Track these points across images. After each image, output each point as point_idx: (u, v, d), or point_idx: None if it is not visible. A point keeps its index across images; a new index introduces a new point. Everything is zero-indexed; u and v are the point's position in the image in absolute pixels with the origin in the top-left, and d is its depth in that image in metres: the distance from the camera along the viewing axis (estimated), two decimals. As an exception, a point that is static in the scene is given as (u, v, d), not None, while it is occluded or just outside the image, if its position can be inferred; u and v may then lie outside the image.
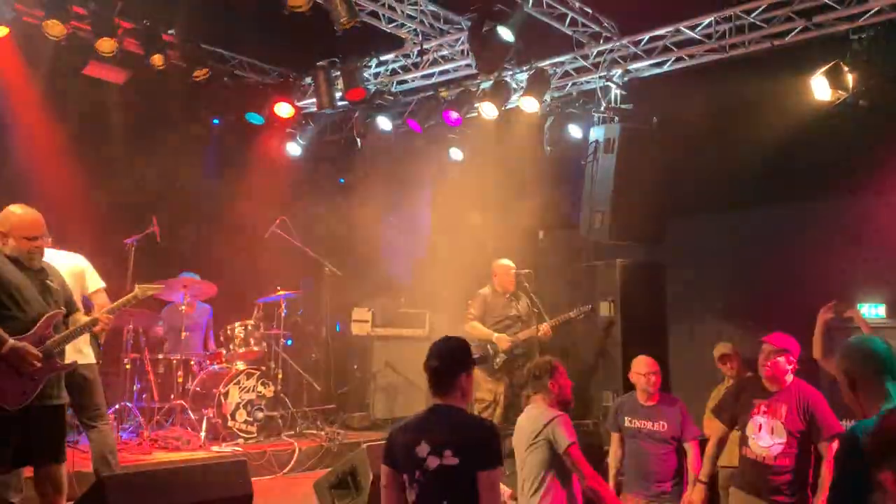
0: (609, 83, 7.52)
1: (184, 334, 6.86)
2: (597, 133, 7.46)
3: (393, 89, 8.38)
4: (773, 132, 6.68)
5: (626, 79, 7.55)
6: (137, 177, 7.76)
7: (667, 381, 6.54)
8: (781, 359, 4.27)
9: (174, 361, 6.88)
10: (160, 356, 7.00)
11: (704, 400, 5.73)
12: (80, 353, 4.68)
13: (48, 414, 3.91)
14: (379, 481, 3.97)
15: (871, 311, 7.65)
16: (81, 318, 4.23)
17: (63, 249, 4.99)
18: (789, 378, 4.30)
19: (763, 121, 6.73)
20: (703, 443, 5.04)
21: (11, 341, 3.74)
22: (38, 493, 3.93)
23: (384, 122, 8.34)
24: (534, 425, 3.98)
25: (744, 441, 4.34)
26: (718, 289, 7.72)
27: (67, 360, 4.14)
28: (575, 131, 7.84)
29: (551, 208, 9.67)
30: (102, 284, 5.00)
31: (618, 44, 7.22)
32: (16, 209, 4.04)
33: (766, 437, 4.26)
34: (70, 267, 4.80)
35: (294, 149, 8.95)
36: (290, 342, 8.03)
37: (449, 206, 10.30)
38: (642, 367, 5.27)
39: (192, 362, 7.03)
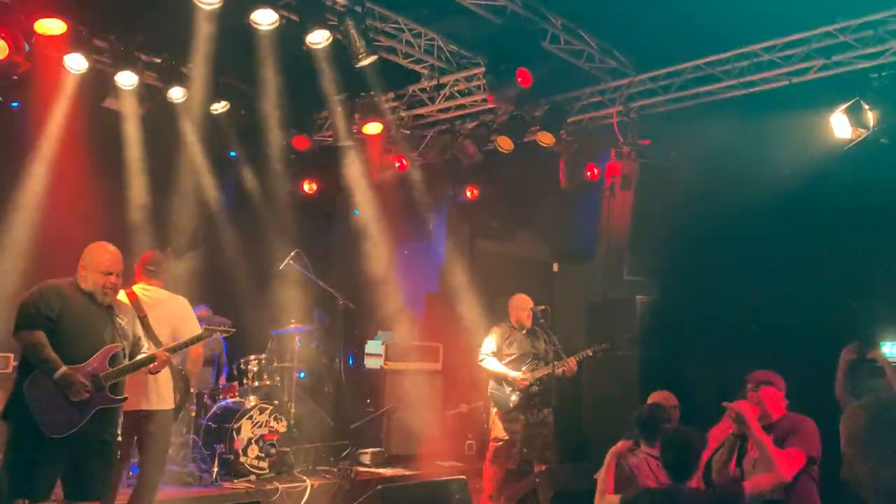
0: (626, 118, 7.51)
1: (196, 369, 6.80)
2: (614, 168, 7.44)
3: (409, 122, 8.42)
4: (793, 168, 6.63)
5: (643, 114, 7.54)
6: (151, 208, 7.78)
7: (690, 419, 6.42)
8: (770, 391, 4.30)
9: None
10: (172, 390, 6.96)
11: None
12: (159, 396, 4.73)
13: (93, 447, 3.95)
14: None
15: (895, 349, 7.52)
16: (141, 356, 4.29)
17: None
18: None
19: (782, 157, 6.69)
20: None
21: (64, 368, 3.82)
22: None
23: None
24: None
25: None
26: (736, 326, 7.62)
27: (136, 405, 4.42)
28: (591, 166, 7.82)
29: (567, 241, 9.64)
30: (199, 331, 4.89)
31: (635, 79, 7.22)
32: (97, 246, 4.22)
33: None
34: (180, 310, 4.96)
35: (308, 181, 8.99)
36: (302, 375, 7.96)
37: (463, 238, 10.29)
38: (664, 401, 5.15)
39: (205, 396, 6.97)
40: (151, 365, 4.28)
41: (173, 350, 4.44)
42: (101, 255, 4.15)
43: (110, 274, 4.11)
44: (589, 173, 7.89)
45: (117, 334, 4.12)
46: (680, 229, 7.12)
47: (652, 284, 7.50)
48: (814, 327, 6.77)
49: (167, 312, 4.86)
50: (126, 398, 4.20)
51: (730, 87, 6.87)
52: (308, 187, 9.10)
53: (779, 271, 7.46)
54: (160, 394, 4.74)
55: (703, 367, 7.49)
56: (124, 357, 4.17)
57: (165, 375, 4.73)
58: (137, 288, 4.94)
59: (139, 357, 4.24)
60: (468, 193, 9.48)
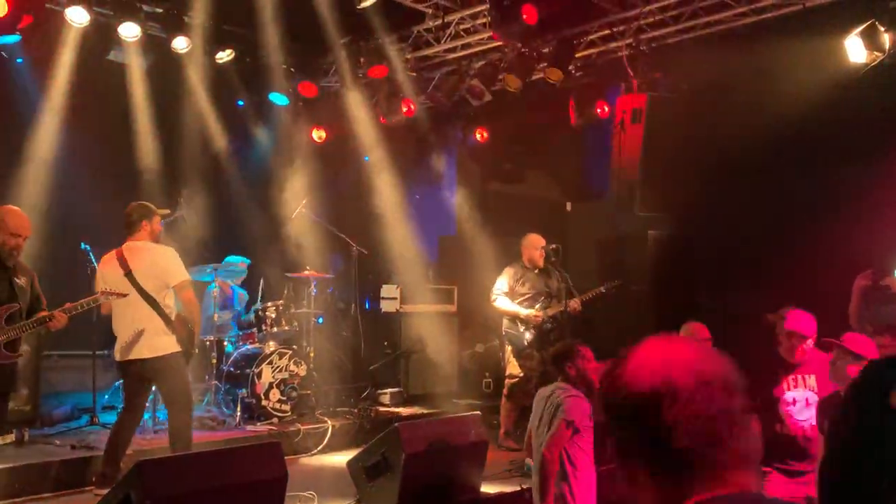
0: (636, 51, 7.36)
1: (216, 315, 6.94)
2: (624, 103, 7.32)
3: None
4: (806, 96, 6.50)
5: (654, 46, 7.38)
6: (164, 161, 7.82)
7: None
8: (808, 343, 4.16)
9: (207, 343, 6.98)
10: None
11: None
12: (152, 347, 4.83)
13: None
14: (412, 460, 4.03)
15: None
16: (39, 315, 4.40)
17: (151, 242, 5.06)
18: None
19: (795, 85, 6.54)
20: None
21: None
22: None
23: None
24: (545, 405, 3.91)
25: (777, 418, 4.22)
26: (750, 259, 7.59)
27: (136, 355, 4.67)
28: (602, 102, 7.71)
29: (579, 180, 9.58)
30: (185, 277, 4.97)
31: (644, 10, 7.05)
32: (10, 209, 4.41)
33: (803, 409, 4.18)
34: (162, 261, 4.94)
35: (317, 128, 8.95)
36: (321, 320, 8.09)
37: (474, 180, 10.26)
38: (698, 334, 5.09)
39: (225, 343, 7.12)
40: (49, 323, 4.38)
41: (67, 311, 4.47)
42: (14, 218, 4.35)
43: (18, 237, 4.31)
44: (599, 110, 7.79)
45: (15, 293, 4.27)
46: (692, 162, 7.05)
47: (664, 219, 7.46)
48: (828, 256, 6.74)
49: (149, 265, 4.88)
50: (21, 355, 4.43)
51: (741, 14, 6.70)
52: (317, 135, 9.07)
53: (793, 202, 7.39)
54: (152, 345, 4.83)
55: (717, 300, 7.52)
56: (21, 317, 4.32)
57: (152, 327, 4.82)
58: (125, 246, 5.00)
59: (36, 316, 4.36)
60: (478, 135, 9.42)
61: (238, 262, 7.38)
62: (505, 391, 6.81)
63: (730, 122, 7.12)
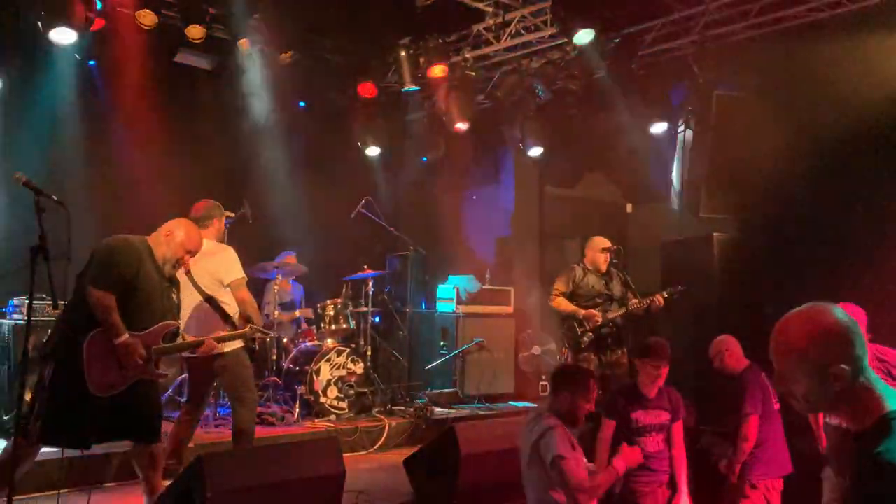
0: (702, 48, 7.17)
1: (276, 313, 7.03)
2: (690, 101, 7.14)
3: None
4: (885, 93, 6.22)
5: (720, 43, 7.18)
6: (227, 161, 7.96)
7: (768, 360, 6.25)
8: None
9: (268, 340, 7.07)
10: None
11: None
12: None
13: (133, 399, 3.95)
14: (469, 461, 3.98)
15: None
16: (188, 338, 4.38)
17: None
18: None
19: (871, 82, 6.26)
20: None
21: (127, 335, 3.84)
22: (137, 466, 4.11)
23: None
24: (528, 437, 3.51)
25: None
26: (817, 264, 7.29)
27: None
28: (666, 99, 7.53)
29: (639, 181, 9.39)
30: (240, 276, 4.94)
31: (711, 6, 6.86)
32: (189, 224, 4.30)
33: None
34: (223, 261, 4.93)
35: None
36: (377, 319, 8.12)
37: (532, 181, 10.16)
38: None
39: (285, 340, 7.21)
40: (198, 349, 4.36)
41: (220, 339, 4.49)
42: (192, 233, 4.20)
43: (189, 253, 4.20)
44: (662, 109, 7.61)
45: (174, 310, 4.19)
46: (759, 163, 6.81)
47: (729, 221, 7.23)
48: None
49: (211, 263, 4.88)
50: (166, 375, 4.38)
51: (815, 9, 6.46)
52: (373, 137, 9.05)
53: (868, 204, 7.07)
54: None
55: (783, 305, 7.23)
56: (177, 335, 4.24)
57: (206, 326, 4.81)
58: None
59: (189, 340, 4.33)
60: (537, 139, 9.32)
61: (286, 255, 7.41)
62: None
63: (800, 120, 6.86)
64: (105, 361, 3.82)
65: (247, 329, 4.59)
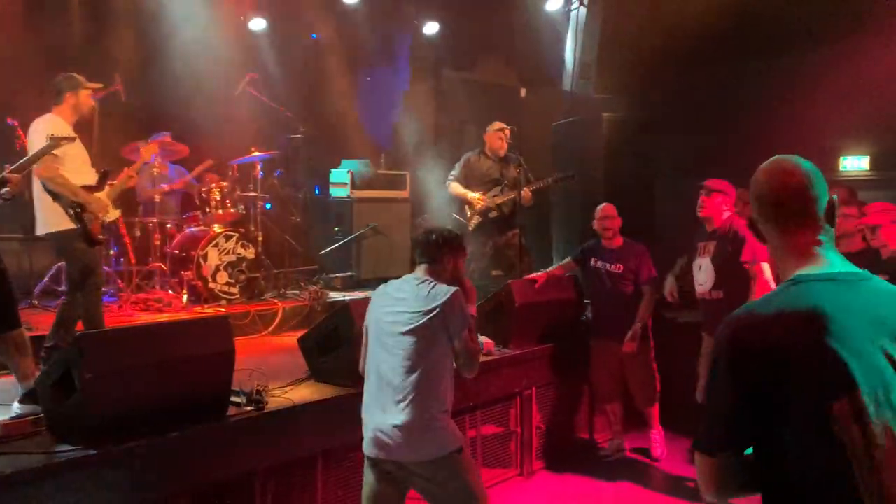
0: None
1: (157, 197, 6.68)
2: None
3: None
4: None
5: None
6: (96, 31, 7.29)
7: (653, 235, 6.56)
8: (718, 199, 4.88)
9: (150, 224, 6.75)
10: (135, 219, 6.88)
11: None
12: (44, 223, 4.52)
13: None
14: (364, 334, 3.95)
15: (855, 163, 7.62)
16: None
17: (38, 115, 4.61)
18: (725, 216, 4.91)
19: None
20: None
21: None
22: (2, 356, 3.88)
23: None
24: (423, 301, 3.32)
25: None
26: (702, 143, 7.56)
27: (38, 230, 4.31)
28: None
29: (534, 64, 9.31)
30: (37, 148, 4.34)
31: None
32: None
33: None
34: (33, 129, 4.51)
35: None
36: (268, 206, 7.89)
37: (428, 64, 9.90)
38: (598, 213, 5.72)
39: (169, 225, 6.90)
40: (4, 190, 3.89)
41: (18, 168, 3.99)
42: None
43: None
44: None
45: None
46: (651, 42, 6.85)
47: (621, 101, 7.33)
48: (779, 144, 6.73)
49: (33, 133, 4.49)
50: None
51: None
52: (255, 20, 8.46)
53: (744, 87, 7.32)
54: (44, 221, 4.54)
55: (671, 184, 7.53)
56: None
57: (42, 202, 4.48)
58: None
59: None
60: (432, 18, 9.00)
61: (162, 136, 6.96)
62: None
63: (689, 4, 6.90)
64: None
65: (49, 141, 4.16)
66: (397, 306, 3.40)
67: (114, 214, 4.84)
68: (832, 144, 7.49)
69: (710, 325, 4.97)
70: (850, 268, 1.65)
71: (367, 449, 3.34)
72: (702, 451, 1.63)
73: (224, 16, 8.13)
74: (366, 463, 3.40)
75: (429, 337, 3.28)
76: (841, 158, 7.49)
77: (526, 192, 6.54)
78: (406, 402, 3.24)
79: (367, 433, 3.34)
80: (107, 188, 4.72)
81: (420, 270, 3.49)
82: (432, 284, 3.38)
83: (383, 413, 3.28)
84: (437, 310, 3.28)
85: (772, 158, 1.76)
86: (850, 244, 4.57)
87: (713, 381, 1.62)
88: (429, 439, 3.24)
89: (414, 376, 3.26)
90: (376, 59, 9.53)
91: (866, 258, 4.23)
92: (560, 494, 5.25)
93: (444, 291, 3.33)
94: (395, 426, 3.23)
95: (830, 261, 1.66)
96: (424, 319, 3.28)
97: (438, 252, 3.47)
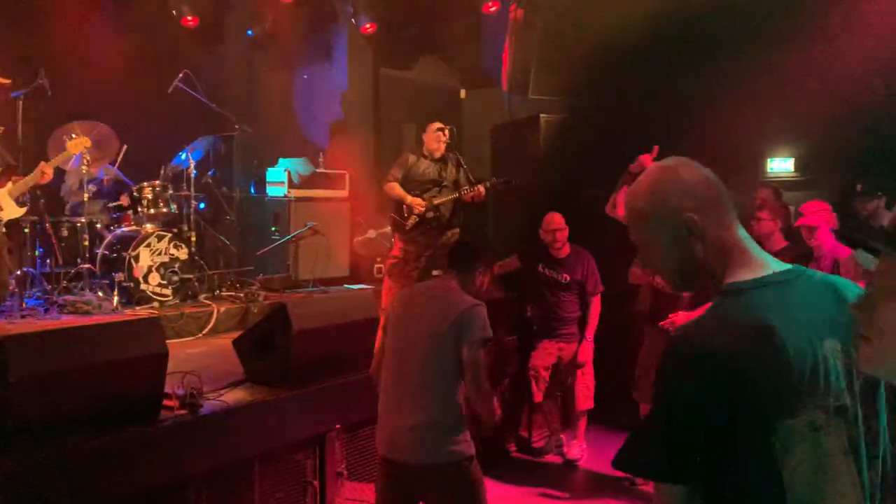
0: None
1: (86, 196, 6.45)
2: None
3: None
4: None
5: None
6: (21, 29, 7.00)
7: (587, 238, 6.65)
8: None
9: (78, 224, 6.51)
10: (63, 219, 6.62)
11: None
12: None
13: None
14: (300, 335, 3.89)
15: (781, 164, 7.89)
16: None
17: None
18: None
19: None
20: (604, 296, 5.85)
21: None
22: None
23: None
24: (451, 307, 3.36)
25: None
26: (629, 145, 7.67)
27: None
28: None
29: (474, 66, 9.37)
30: None
31: None
32: None
33: None
34: None
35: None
36: (202, 205, 7.70)
37: (366, 63, 9.83)
38: (546, 224, 5.88)
39: (98, 225, 6.67)
40: None
41: None
42: None
43: None
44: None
45: None
46: (589, 43, 6.95)
47: (558, 103, 7.43)
48: (706, 145, 6.90)
49: None
50: None
51: None
52: (190, 5, 8.24)
53: (668, 88, 7.46)
54: None
55: (605, 187, 7.64)
56: None
57: None
58: None
59: None
60: (371, 16, 8.94)
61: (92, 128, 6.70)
62: (385, 269, 6.90)
63: (625, 7, 7.03)
64: None
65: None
66: (428, 307, 3.44)
67: (15, 212, 4.61)
68: (759, 146, 7.74)
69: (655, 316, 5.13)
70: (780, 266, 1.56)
71: (382, 447, 3.39)
72: (653, 478, 1.49)
73: (157, 10, 7.93)
74: (380, 463, 3.44)
75: (450, 344, 3.30)
76: (768, 160, 7.74)
77: (480, 189, 6.50)
78: (424, 404, 3.27)
79: (384, 432, 3.38)
80: (8, 185, 4.51)
81: (450, 277, 3.55)
82: (461, 294, 3.44)
83: (399, 413, 3.32)
84: (463, 319, 3.31)
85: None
86: (772, 243, 4.73)
87: (658, 402, 1.50)
88: (441, 444, 3.26)
89: (434, 380, 3.29)
90: (314, 56, 9.41)
91: (792, 254, 4.39)
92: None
93: (472, 303, 3.38)
94: (410, 427, 3.25)
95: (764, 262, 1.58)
96: (449, 326, 3.31)
97: (473, 264, 3.54)
